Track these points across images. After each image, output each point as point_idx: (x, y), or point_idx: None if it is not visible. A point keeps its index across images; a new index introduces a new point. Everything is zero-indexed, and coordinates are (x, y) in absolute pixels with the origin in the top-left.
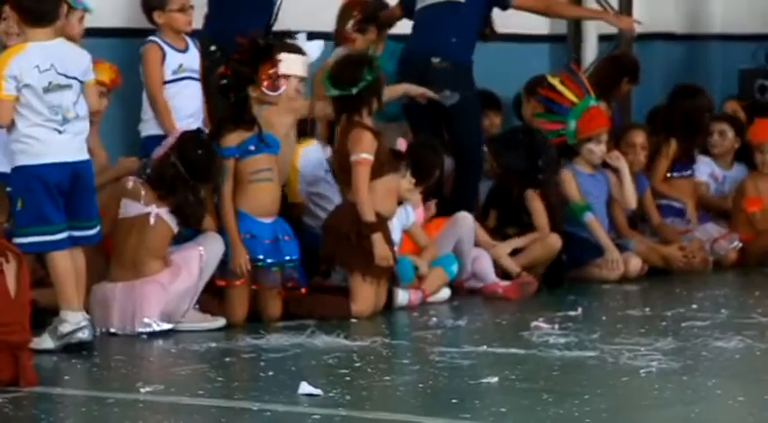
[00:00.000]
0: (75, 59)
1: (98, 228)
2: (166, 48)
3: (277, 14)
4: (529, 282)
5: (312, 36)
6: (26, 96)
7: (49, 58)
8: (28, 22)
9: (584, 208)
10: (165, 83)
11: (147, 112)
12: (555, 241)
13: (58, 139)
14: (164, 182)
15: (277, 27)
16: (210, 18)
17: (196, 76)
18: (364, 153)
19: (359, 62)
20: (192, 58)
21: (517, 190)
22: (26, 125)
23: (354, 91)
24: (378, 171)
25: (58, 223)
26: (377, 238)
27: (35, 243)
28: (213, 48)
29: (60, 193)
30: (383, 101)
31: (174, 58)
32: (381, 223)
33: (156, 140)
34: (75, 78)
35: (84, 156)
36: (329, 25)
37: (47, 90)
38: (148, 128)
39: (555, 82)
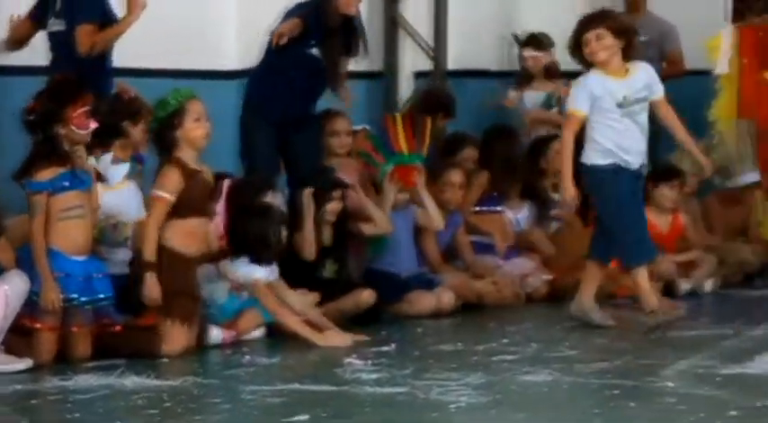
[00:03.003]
0: None
1: None
2: None
3: None
4: None
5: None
6: None
7: None
8: None
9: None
10: None
11: None
12: (368, 296)
13: None
14: None
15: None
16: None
17: None
18: (161, 190)
19: (159, 101)
20: None
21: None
22: None
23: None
24: (182, 212)
25: None
26: (148, 276)
27: None
28: None
29: None
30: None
31: None
32: (186, 262)
33: None
34: None
35: None
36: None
37: None
38: None
39: (398, 119)
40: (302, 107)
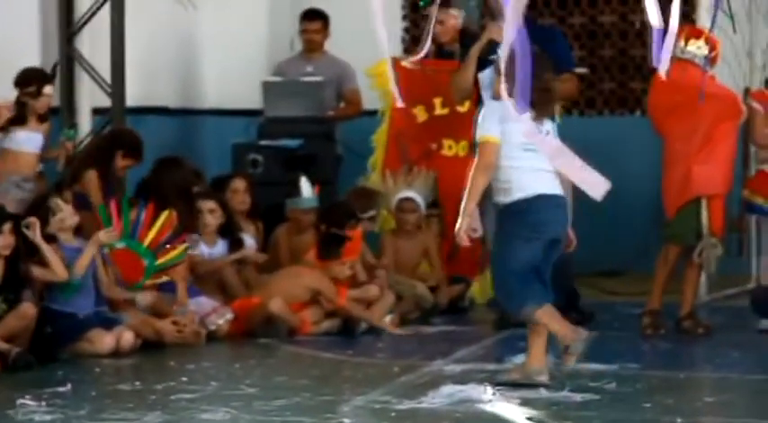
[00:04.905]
0: None
1: None
2: None
3: None
4: None
5: None
6: None
7: None
8: None
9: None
10: None
11: None
12: (27, 309)
13: None
14: None
15: None
16: None
17: None
18: None
19: None
20: None
21: None
22: None
23: None
24: None
25: None
26: None
27: None
28: None
29: None
30: None
31: None
32: None
33: None
34: None
35: None
36: None
37: None
38: None
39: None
40: None
